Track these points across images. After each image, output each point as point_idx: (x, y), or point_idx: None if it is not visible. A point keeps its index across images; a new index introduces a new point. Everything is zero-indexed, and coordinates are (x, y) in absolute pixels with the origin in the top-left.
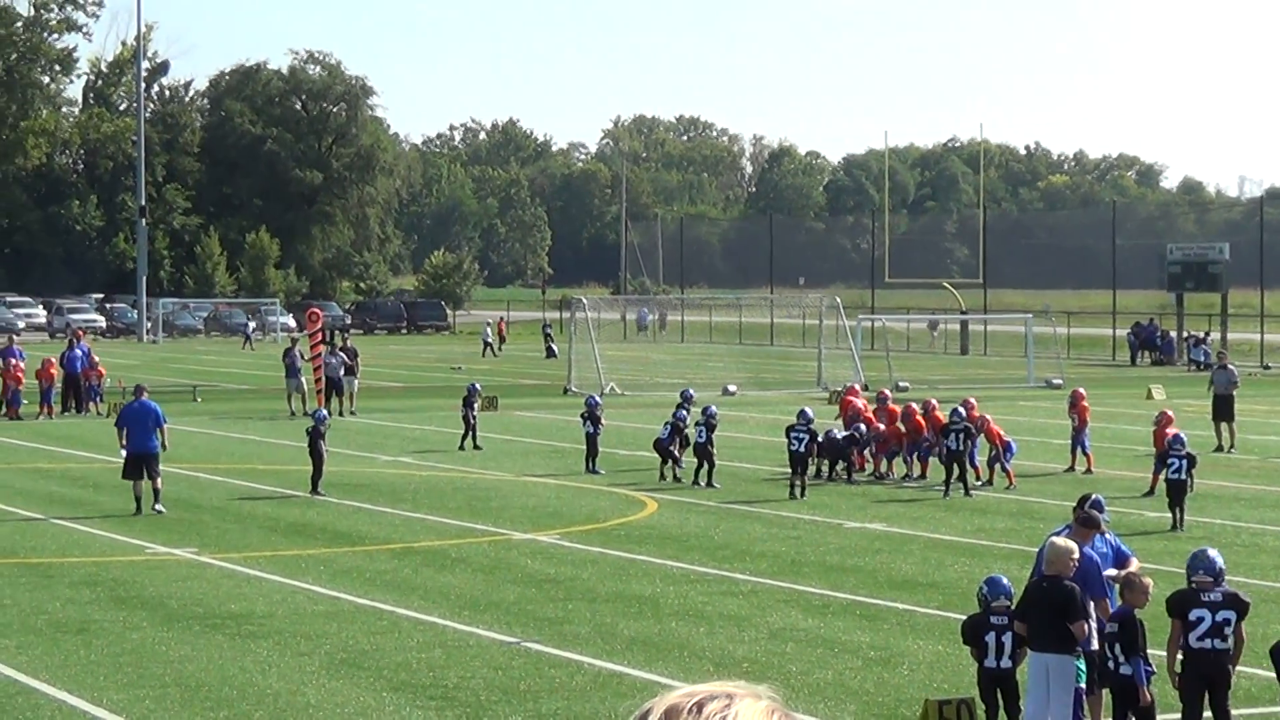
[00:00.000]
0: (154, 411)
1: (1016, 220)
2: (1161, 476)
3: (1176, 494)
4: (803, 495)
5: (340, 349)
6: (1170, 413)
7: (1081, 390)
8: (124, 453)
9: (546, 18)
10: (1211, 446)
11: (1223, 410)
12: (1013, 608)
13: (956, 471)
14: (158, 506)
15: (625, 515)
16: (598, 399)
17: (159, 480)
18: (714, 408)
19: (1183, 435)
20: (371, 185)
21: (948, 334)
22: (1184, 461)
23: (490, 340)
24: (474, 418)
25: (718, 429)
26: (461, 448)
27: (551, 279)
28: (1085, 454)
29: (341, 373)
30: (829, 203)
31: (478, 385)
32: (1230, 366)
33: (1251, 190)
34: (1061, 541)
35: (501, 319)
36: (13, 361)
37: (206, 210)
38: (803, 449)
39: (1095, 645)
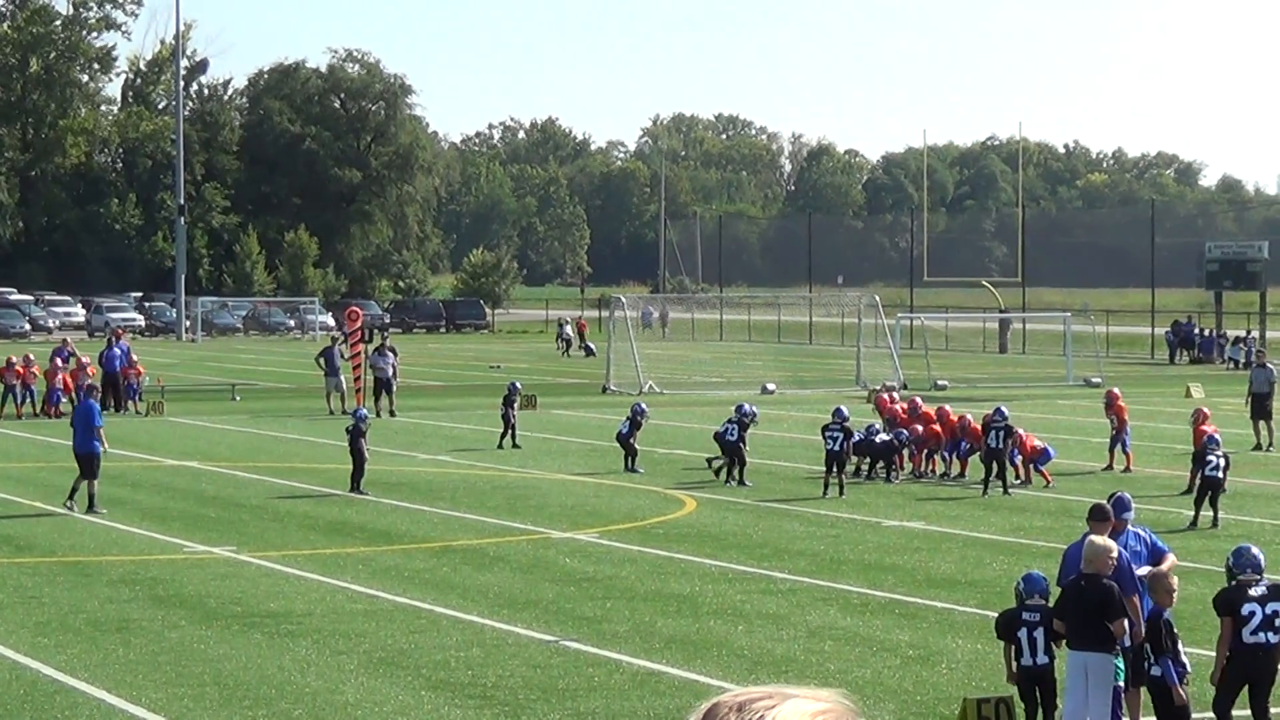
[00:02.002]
0: (93, 412)
1: (1055, 219)
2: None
3: (1212, 491)
4: (841, 494)
5: (377, 349)
6: (1206, 410)
7: (1116, 390)
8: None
9: (585, 16)
10: (1250, 445)
11: (1261, 409)
12: (1049, 605)
13: (995, 469)
14: (96, 509)
15: (664, 514)
16: (644, 407)
17: (95, 484)
18: (748, 406)
19: (1218, 436)
20: (410, 184)
21: (987, 332)
22: (1221, 460)
23: (570, 338)
24: (514, 417)
25: (751, 428)
26: (500, 446)
27: (590, 277)
28: (1125, 453)
29: (391, 373)
30: (868, 201)
31: (518, 384)
32: (1269, 365)
33: None
34: (1100, 540)
35: (579, 318)
36: (57, 362)
37: (245, 209)
38: (838, 448)
39: (1129, 642)
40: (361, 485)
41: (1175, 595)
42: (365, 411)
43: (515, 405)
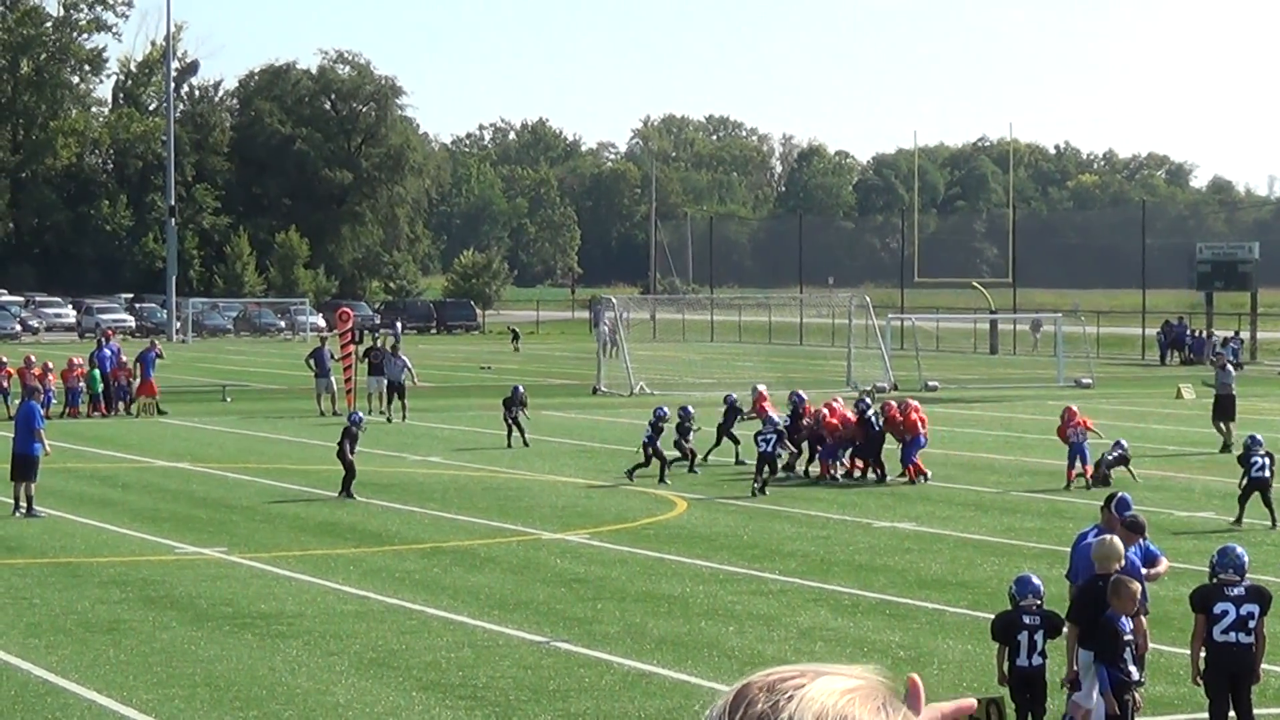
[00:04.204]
0: (34, 414)
1: (1046, 220)
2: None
3: (1261, 491)
4: (763, 492)
5: (371, 349)
6: (1075, 407)
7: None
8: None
9: (576, 17)
10: (1218, 447)
11: (1225, 410)
12: (1042, 605)
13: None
14: (35, 510)
15: (654, 515)
16: (666, 411)
17: (33, 486)
18: (664, 409)
19: (1260, 436)
20: (401, 185)
21: (978, 333)
22: (1266, 459)
23: (607, 339)
24: (512, 419)
25: (664, 430)
26: (509, 446)
27: (581, 278)
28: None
29: (399, 377)
30: (858, 202)
31: (520, 388)
32: (1230, 367)
33: None
34: (1115, 541)
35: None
36: (151, 355)
37: (236, 210)
38: (770, 449)
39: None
40: (351, 489)
41: (1135, 603)
42: (360, 415)
43: (514, 408)
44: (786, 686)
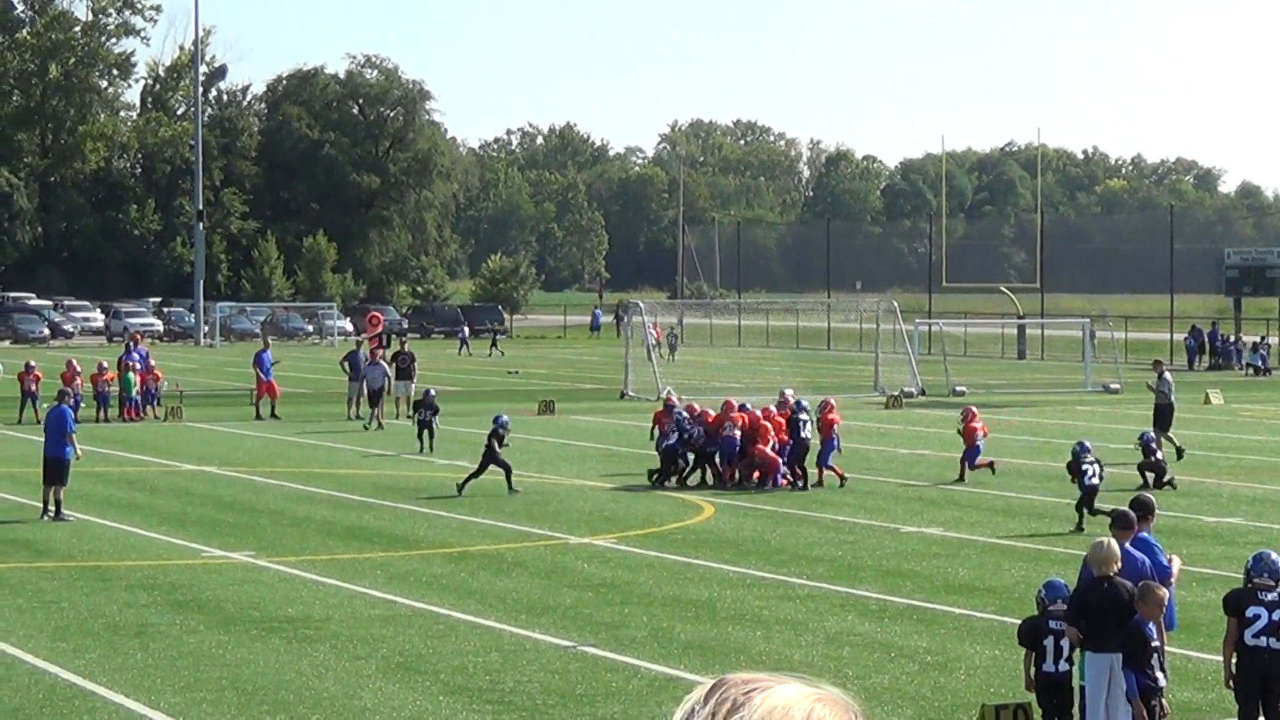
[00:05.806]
0: (65, 418)
1: (1074, 225)
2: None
3: (1091, 498)
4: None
5: (396, 354)
6: (974, 409)
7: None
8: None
9: (603, 22)
10: (1172, 457)
11: (1165, 419)
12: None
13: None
14: (63, 514)
15: (682, 519)
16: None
17: (62, 490)
18: (503, 416)
19: (1087, 443)
20: (429, 189)
21: (1005, 338)
22: (1096, 467)
23: (652, 344)
24: (423, 421)
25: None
26: (420, 451)
27: (608, 283)
28: (972, 467)
29: (380, 384)
30: (886, 207)
31: (432, 391)
32: (1168, 375)
33: None
34: (1111, 543)
35: (656, 322)
36: (262, 366)
37: (264, 214)
38: (675, 445)
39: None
40: (512, 483)
41: (1162, 609)
42: (507, 418)
43: (423, 411)
44: (761, 685)
